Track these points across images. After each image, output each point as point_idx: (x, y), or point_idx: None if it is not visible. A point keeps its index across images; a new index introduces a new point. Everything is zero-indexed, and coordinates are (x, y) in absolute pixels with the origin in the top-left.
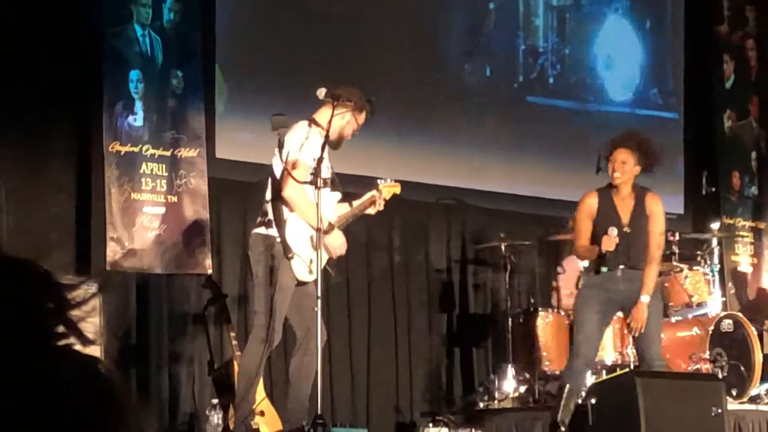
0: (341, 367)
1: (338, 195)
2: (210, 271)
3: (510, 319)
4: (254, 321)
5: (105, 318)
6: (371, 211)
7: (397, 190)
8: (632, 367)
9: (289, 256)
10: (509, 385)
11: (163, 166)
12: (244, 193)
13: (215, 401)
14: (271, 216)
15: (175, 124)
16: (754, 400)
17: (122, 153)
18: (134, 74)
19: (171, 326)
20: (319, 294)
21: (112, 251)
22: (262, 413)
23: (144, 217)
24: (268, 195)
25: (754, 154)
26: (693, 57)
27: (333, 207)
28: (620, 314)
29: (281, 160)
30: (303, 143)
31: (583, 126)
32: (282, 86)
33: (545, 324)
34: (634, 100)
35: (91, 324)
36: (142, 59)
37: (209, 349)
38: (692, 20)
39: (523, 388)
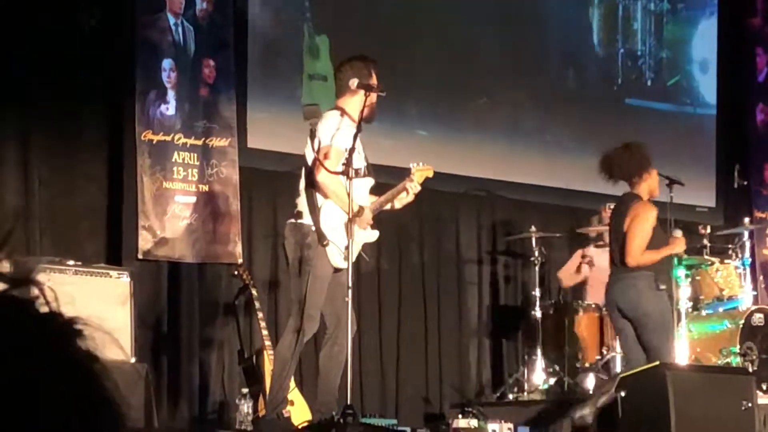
0: (371, 358)
1: (371, 181)
2: (240, 260)
3: (540, 312)
4: (291, 310)
5: (136, 307)
6: (408, 197)
7: (430, 173)
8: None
9: (324, 243)
10: (539, 377)
11: (195, 155)
12: (274, 183)
13: (245, 390)
14: (302, 207)
15: (206, 113)
16: None
17: (154, 142)
18: (167, 63)
19: (202, 315)
20: (350, 284)
21: (144, 240)
22: (291, 402)
23: (175, 206)
24: (302, 185)
25: None
26: (725, 50)
27: (366, 194)
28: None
29: (313, 149)
30: (334, 133)
31: (681, 128)
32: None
33: (575, 317)
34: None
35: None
36: (175, 48)
37: (239, 338)
38: (725, 13)
39: (552, 381)
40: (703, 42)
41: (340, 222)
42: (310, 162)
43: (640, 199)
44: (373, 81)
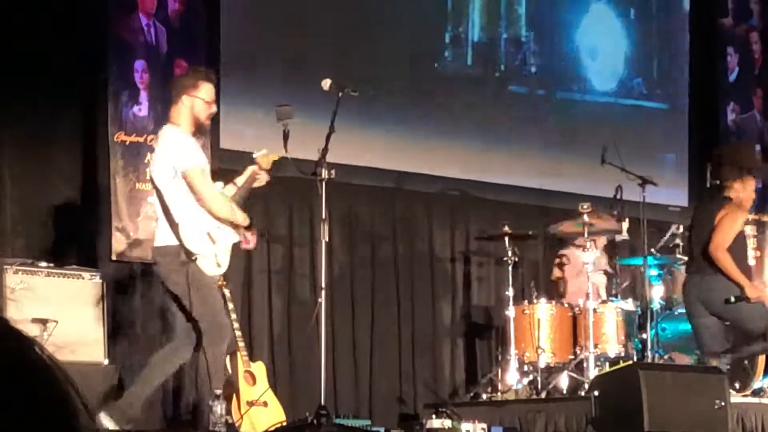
0: (345, 359)
1: (220, 185)
2: None
3: (513, 311)
4: (201, 328)
5: (109, 308)
6: (259, 183)
7: (275, 157)
8: (635, 359)
9: (193, 258)
10: (512, 377)
11: None
12: None
13: (218, 392)
14: (162, 228)
15: None
16: (757, 393)
17: (127, 143)
18: (139, 64)
19: (174, 317)
20: (323, 285)
21: (118, 242)
22: (265, 404)
23: (149, 207)
24: (158, 207)
25: (758, 147)
26: (697, 50)
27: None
28: (624, 307)
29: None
30: (186, 154)
31: (569, 116)
32: (286, 76)
33: (548, 316)
34: (618, 89)
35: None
36: (147, 49)
37: None
38: (697, 13)
39: (526, 380)
40: (593, 28)
41: (202, 232)
42: (162, 184)
43: (730, 201)
44: (202, 93)
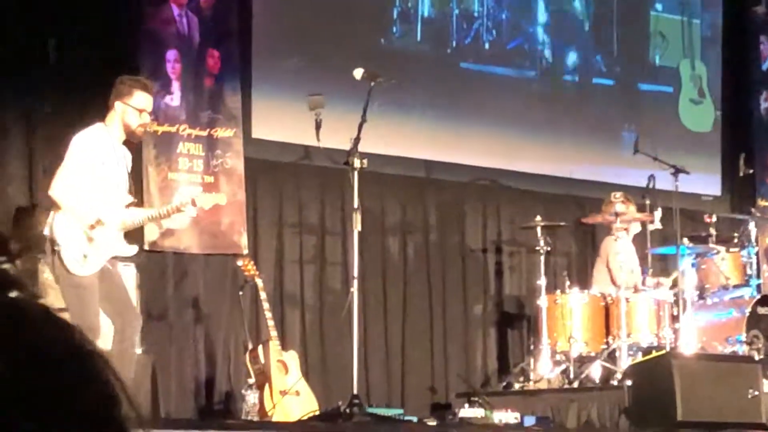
0: (377, 348)
1: (129, 198)
2: (246, 251)
3: (546, 300)
4: None
5: (142, 298)
6: (177, 217)
7: (220, 200)
8: (668, 348)
9: (55, 248)
10: (545, 366)
11: (200, 146)
12: (279, 173)
13: (251, 381)
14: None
15: (211, 104)
16: None
17: (159, 133)
18: (171, 54)
19: (207, 306)
20: (356, 274)
21: (150, 231)
22: (297, 393)
23: (181, 197)
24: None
25: None
26: (729, 39)
27: (117, 209)
28: (657, 297)
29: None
30: (81, 151)
31: (526, 94)
32: (318, 66)
33: (581, 305)
34: (577, 67)
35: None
36: (179, 39)
37: (245, 329)
38: (728, 1)
39: (558, 370)
40: (550, 1)
41: (74, 228)
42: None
43: None
44: (134, 101)
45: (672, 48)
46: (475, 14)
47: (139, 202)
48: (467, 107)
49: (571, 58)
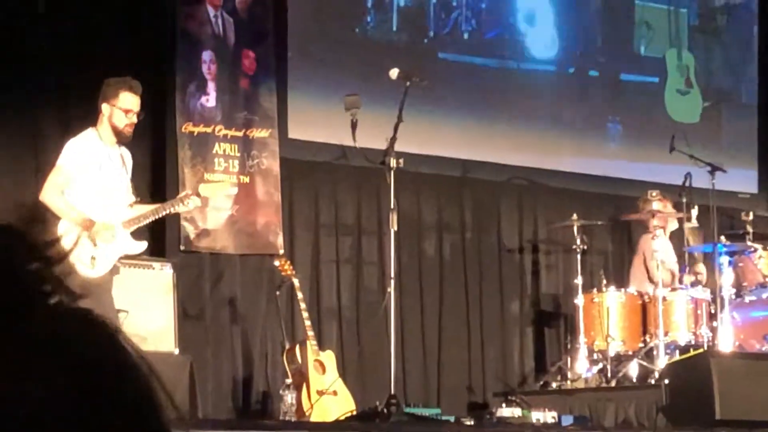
0: (414, 348)
1: (131, 198)
2: (282, 251)
3: (582, 300)
4: None
5: (179, 298)
6: (181, 208)
7: (226, 187)
8: (706, 347)
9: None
10: (582, 365)
11: (236, 146)
12: (316, 173)
13: (288, 381)
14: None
15: (247, 104)
16: None
17: (195, 134)
18: (207, 55)
19: (244, 306)
20: (392, 274)
21: (186, 232)
22: (335, 393)
23: (217, 197)
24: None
25: None
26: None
27: (119, 210)
28: (694, 295)
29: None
30: (72, 154)
31: (503, 85)
32: (354, 66)
33: (618, 304)
34: (559, 58)
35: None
36: (215, 40)
37: (282, 329)
38: None
39: (596, 369)
40: None
41: (77, 233)
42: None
43: None
44: (120, 102)
45: (658, 37)
46: (454, 3)
47: None
48: (446, 97)
49: (553, 48)
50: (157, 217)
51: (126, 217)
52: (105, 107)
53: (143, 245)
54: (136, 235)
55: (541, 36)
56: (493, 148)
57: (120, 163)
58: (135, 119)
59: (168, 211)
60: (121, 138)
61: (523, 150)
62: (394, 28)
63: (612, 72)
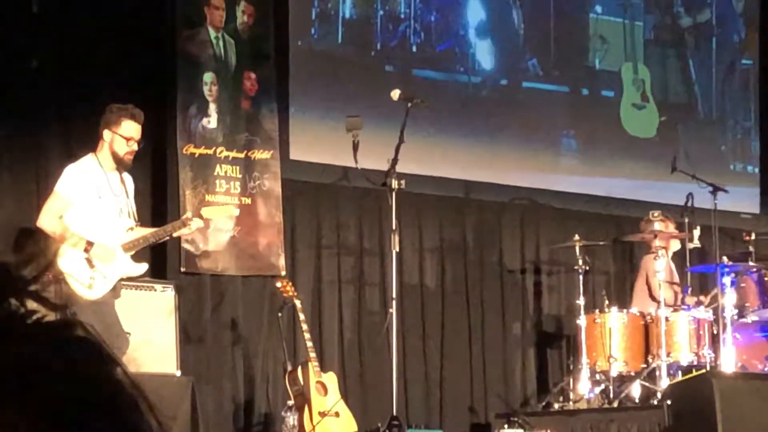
0: (416, 368)
1: (131, 222)
2: (284, 273)
3: (585, 320)
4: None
5: (180, 320)
6: (184, 231)
7: (230, 210)
8: (708, 367)
9: (60, 278)
10: (584, 386)
11: (237, 168)
12: (317, 194)
13: (290, 403)
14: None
15: (248, 126)
16: None
17: (196, 155)
18: (208, 77)
19: (245, 328)
20: (394, 295)
21: (188, 253)
22: (337, 414)
23: (220, 220)
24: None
25: None
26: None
27: (116, 233)
28: (696, 315)
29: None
30: (65, 176)
31: (458, 98)
32: (356, 88)
33: (620, 324)
34: (510, 70)
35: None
36: (216, 62)
37: (284, 350)
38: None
39: (598, 389)
40: (481, 4)
41: (76, 256)
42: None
43: None
44: (122, 129)
45: (613, 51)
46: (402, 16)
47: None
48: (387, 111)
49: (506, 61)
50: (158, 240)
51: (126, 239)
52: (106, 133)
53: (143, 267)
54: (137, 257)
55: (492, 49)
56: (441, 162)
57: (120, 187)
58: (136, 147)
59: (170, 234)
60: (121, 165)
61: (461, 162)
62: (339, 41)
63: (566, 85)
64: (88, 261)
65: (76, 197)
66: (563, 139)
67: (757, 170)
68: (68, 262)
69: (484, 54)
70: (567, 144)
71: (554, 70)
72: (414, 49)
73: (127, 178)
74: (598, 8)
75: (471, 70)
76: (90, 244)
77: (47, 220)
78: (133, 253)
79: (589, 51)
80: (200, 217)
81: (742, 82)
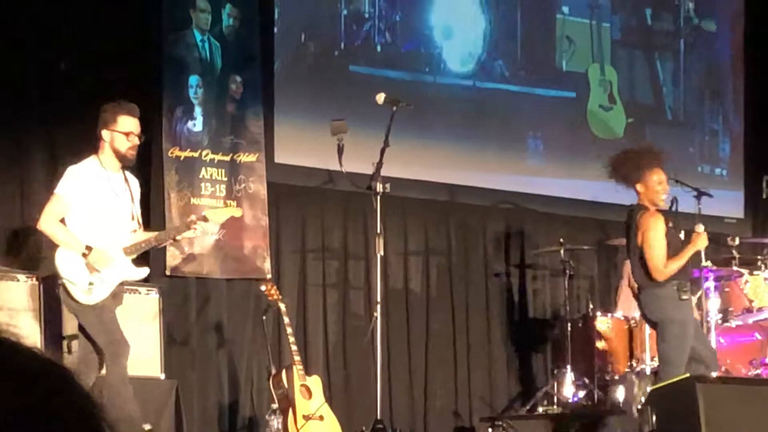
0: (400, 372)
1: (134, 226)
2: (269, 276)
3: (569, 324)
4: (102, 347)
5: (165, 323)
6: (189, 234)
7: (231, 212)
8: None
9: (60, 282)
10: (569, 390)
11: (223, 171)
12: (303, 198)
13: (274, 406)
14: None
15: (234, 129)
16: None
17: (182, 158)
18: (193, 79)
19: (230, 331)
20: (379, 299)
21: (172, 257)
22: (321, 417)
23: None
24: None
25: None
26: (753, 59)
27: (120, 237)
28: None
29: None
30: (70, 182)
31: (418, 98)
32: (341, 90)
33: (604, 328)
34: (477, 72)
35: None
36: (202, 64)
37: (268, 354)
38: (751, 21)
39: (582, 393)
40: (447, 4)
41: (76, 260)
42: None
43: (645, 210)
44: (120, 126)
45: (580, 52)
46: (366, 15)
47: (161, 227)
48: (359, 111)
49: (471, 62)
50: (161, 243)
51: (127, 243)
52: (105, 133)
53: (145, 271)
54: (138, 261)
55: (458, 49)
56: (420, 164)
57: (123, 190)
58: (136, 141)
59: (173, 237)
60: (124, 162)
61: (444, 166)
62: (303, 40)
63: (533, 86)
64: (88, 265)
65: (76, 199)
66: (530, 141)
67: (725, 173)
68: (67, 267)
69: (449, 54)
70: (534, 146)
71: (521, 71)
72: (379, 48)
73: (133, 181)
74: (565, 9)
75: (436, 70)
76: (89, 248)
77: (48, 223)
78: (134, 256)
79: (556, 52)
80: (204, 219)
81: (711, 83)
